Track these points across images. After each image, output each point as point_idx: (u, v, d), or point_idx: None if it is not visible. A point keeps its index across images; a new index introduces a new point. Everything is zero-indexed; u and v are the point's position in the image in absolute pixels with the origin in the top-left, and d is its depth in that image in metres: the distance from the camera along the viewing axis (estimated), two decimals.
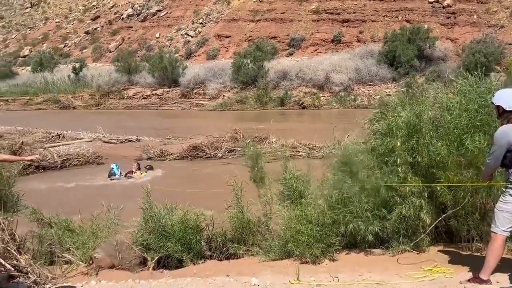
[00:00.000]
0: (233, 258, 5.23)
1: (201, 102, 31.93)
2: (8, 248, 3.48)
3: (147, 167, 11.11)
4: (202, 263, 5.06)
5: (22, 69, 46.62)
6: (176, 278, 4.32)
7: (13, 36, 76.33)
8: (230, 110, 29.23)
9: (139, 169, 10.61)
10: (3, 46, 70.71)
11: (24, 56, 56.14)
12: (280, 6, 45.60)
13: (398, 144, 4.62)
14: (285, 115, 26.77)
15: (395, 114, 4.90)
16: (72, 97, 33.44)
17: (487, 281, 3.77)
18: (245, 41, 42.84)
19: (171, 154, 13.12)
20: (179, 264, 5.10)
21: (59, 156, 12.41)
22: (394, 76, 30.41)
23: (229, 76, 32.91)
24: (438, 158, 4.57)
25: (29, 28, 79.34)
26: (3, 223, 3.65)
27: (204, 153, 13.01)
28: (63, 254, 5.21)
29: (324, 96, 30.22)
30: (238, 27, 45.65)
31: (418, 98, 5.24)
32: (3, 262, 3.28)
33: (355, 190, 4.64)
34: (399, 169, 4.61)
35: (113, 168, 10.68)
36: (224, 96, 32.05)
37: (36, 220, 5.69)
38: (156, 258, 5.19)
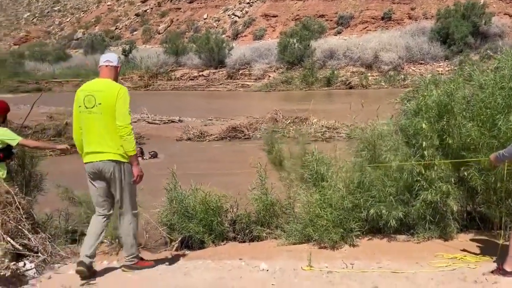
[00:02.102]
0: (257, 240, 5.18)
1: (247, 83, 31.91)
2: (20, 227, 3.58)
3: (152, 153, 10.89)
4: (223, 244, 5.04)
5: (76, 51, 48.26)
6: (188, 261, 4.32)
7: (67, 20, 79.09)
8: (275, 91, 29.03)
9: (142, 154, 10.44)
10: (59, 29, 73.45)
11: (77, 39, 58.05)
12: None
13: (424, 126, 4.35)
14: (331, 95, 26.29)
15: (425, 94, 4.62)
16: (121, 79, 34.24)
17: (511, 273, 3.51)
18: (292, 20, 42.24)
19: (211, 135, 13.22)
20: (201, 245, 5.11)
21: None
22: (447, 54, 29.10)
23: (275, 56, 32.67)
24: (468, 140, 4.27)
25: (82, 11, 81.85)
26: (19, 201, 3.75)
27: (243, 134, 13.00)
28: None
29: (373, 76, 29.43)
30: (285, 6, 45.01)
31: (453, 76, 4.93)
32: (11, 241, 3.38)
33: (377, 174, 4.43)
34: (425, 152, 4.35)
35: None
36: (269, 76, 31.87)
37: (67, 198, 5.84)
38: (179, 239, 5.22)
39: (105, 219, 4.05)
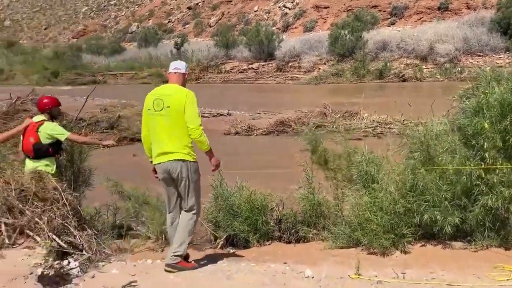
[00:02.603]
0: (303, 241, 5.04)
1: (296, 75, 31.61)
2: (66, 224, 3.62)
3: None
4: (268, 244, 4.93)
5: (130, 44, 49.52)
6: (231, 262, 4.24)
7: (122, 13, 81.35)
8: (325, 84, 28.58)
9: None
10: (114, 23, 75.69)
11: (132, 32, 59.54)
12: None
13: (486, 125, 4.03)
14: (383, 88, 25.58)
15: (487, 91, 4.29)
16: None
17: None
18: (344, 11, 41.38)
19: (258, 129, 13.13)
20: (246, 244, 5.03)
21: None
22: (508, 45, 27.56)
23: (325, 49, 32.16)
24: None
25: (137, 5, 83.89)
26: (66, 198, 3.80)
27: (291, 128, 12.82)
28: (138, 228, 5.37)
29: (427, 68, 28.37)
30: None
31: None
32: (56, 238, 3.41)
33: (432, 177, 4.16)
34: (486, 154, 4.04)
35: None
36: (319, 69, 31.42)
37: (117, 192, 5.91)
38: (224, 237, 5.16)
39: (172, 220, 4.30)
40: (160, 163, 4.08)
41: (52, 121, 4.74)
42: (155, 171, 4.27)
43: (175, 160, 4.03)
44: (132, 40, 53.34)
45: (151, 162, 4.26)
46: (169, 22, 61.95)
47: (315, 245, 4.66)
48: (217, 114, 16.50)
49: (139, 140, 12.77)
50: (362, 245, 4.32)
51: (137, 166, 8.67)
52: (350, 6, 41.12)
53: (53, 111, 4.79)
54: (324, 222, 5.03)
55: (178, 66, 4.26)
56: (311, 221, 5.11)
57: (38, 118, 4.70)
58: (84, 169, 4.93)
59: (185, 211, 4.21)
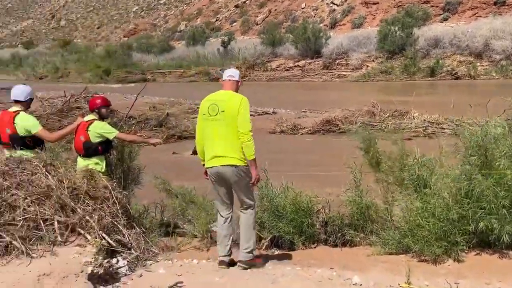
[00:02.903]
0: (349, 245, 4.93)
1: (343, 73, 31.15)
2: (115, 222, 3.69)
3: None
4: (314, 247, 4.85)
5: (178, 43, 50.34)
6: (276, 265, 4.19)
7: (172, 12, 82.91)
8: (374, 81, 28.02)
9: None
10: (164, 22, 77.26)
11: (180, 31, 60.52)
12: None
13: None
14: (434, 86, 24.78)
15: None
16: (220, 69, 35.17)
17: None
18: (394, 7, 40.33)
19: (304, 127, 13.00)
20: (291, 246, 4.98)
21: None
22: None
23: (374, 45, 31.49)
24: None
25: (185, 4, 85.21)
26: (116, 196, 3.87)
27: (337, 128, 12.62)
28: (184, 226, 5.43)
29: (482, 66, 27.21)
30: None
31: None
32: (106, 237, 3.48)
33: (489, 183, 3.95)
34: None
35: None
36: (367, 66, 30.81)
37: (164, 190, 5.99)
38: (269, 238, 5.13)
39: (228, 220, 4.43)
40: (212, 166, 4.21)
41: (102, 120, 4.86)
42: (206, 173, 4.41)
43: (227, 165, 4.16)
44: (180, 38, 54.22)
45: (203, 165, 4.39)
46: (216, 20, 62.55)
47: (363, 250, 4.54)
48: (263, 112, 16.49)
49: (187, 137, 13.01)
50: (413, 252, 4.17)
51: (176, 163, 8.82)
52: (401, 1, 40.03)
53: (102, 111, 4.92)
54: (372, 226, 4.90)
55: (232, 74, 4.43)
56: (359, 224, 5.00)
57: (89, 117, 4.84)
58: (134, 167, 5.03)
59: (242, 210, 4.36)
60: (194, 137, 13.26)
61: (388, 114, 13.24)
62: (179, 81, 34.70)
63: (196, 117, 15.00)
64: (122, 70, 37.01)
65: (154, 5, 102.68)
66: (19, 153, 4.37)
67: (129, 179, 4.95)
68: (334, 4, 47.19)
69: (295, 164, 8.89)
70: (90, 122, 4.72)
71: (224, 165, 4.15)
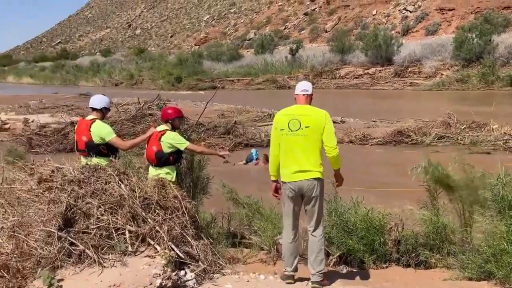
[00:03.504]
0: (424, 266, 4.64)
1: (416, 81, 30.12)
2: (184, 233, 3.69)
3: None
4: (385, 267, 4.61)
5: (247, 51, 51.00)
6: (346, 285, 4.01)
7: (241, 21, 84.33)
8: (448, 90, 26.83)
9: (266, 160, 10.20)
10: (234, 30, 78.75)
11: (249, 39, 61.41)
12: None
13: None
14: None
15: None
16: (288, 78, 35.21)
17: None
18: (471, 13, 38.62)
19: (374, 138, 12.58)
20: (361, 264, 4.77)
21: (266, 135, 13.09)
22: None
23: (449, 53, 30.23)
24: None
25: (255, 12, 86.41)
26: (185, 206, 3.88)
27: (410, 139, 12.11)
28: (250, 236, 5.37)
29: None
30: None
31: None
32: (175, 248, 3.48)
33: None
34: None
35: (252, 153, 10.66)
36: (442, 74, 29.59)
37: (232, 199, 5.98)
38: (337, 254, 4.95)
39: (297, 237, 4.39)
40: (296, 181, 4.17)
41: (174, 131, 4.92)
42: (275, 189, 4.37)
43: (312, 178, 4.14)
44: (249, 46, 54.98)
45: (273, 180, 4.37)
46: (285, 28, 62.89)
47: (439, 273, 4.25)
48: None
49: (253, 145, 12.99)
50: (496, 279, 3.84)
51: (230, 173, 8.82)
52: (479, 7, 38.24)
53: (175, 122, 4.98)
54: (449, 247, 4.58)
55: (305, 88, 4.38)
56: (434, 245, 4.69)
57: (161, 127, 4.92)
58: (202, 177, 5.06)
59: (313, 230, 4.28)
60: (260, 145, 13.27)
61: (464, 126, 12.55)
62: (247, 89, 35.09)
63: (263, 125, 14.93)
64: (193, 77, 38.01)
65: (225, 14, 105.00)
66: (95, 160, 4.53)
67: (198, 188, 4.98)
68: (407, 10, 45.87)
69: (364, 177, 8.58)
70: (163, 132, 4.79)
71: (309, 179, 4.13)
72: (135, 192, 3.65)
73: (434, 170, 4.64)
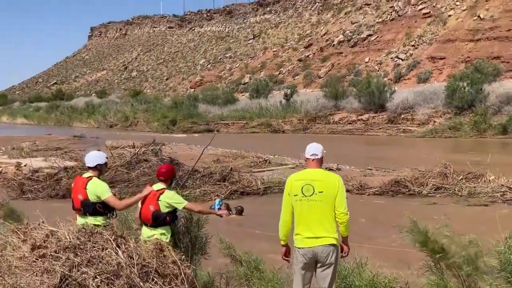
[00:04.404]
0: None
1: (409, 128, 30.38)
2: None
3: (238, 207, 10.51)
4: None
5: (242, 95, 51.56)
6: None
7: (237, 65, 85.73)
8: (441, 138, 27.01)
9: (227, 209, 10.20)
10: (229, 74, 79.89)
11: (245, 83, 62.24)
12: (505, 23, 40.86)
13: None
14: (508, 145, 23.44)
15: None
16: (282, 122, 35.45)
17: None
18: (461, 62, 39.53)
19: (371, 187, 12.47)
20: None
21: (262, 183, 12.95)
22: None
23: (441, 101, 30.68)
24: None
25: (250, 57, 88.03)
26: (184, 272, 3.71)
27: (407, 189, 12.01)
28: None
29: None
30: (454, 48, 42.39)
31: None
32: None
33: None
34: None
35: (215, 203, 10.55)
36: (434, 122, 29.92)
37: (229, 255, 5.78)
38: None
39: None
40: (310, 247, 4.13)
41: (169, 189, 4.80)
42: (286, 254, 4.35)
43: (327, 244, 4.11)
44: (244, 90, 55.65)
45: (282, 245, 4.35)
46: (279, 73, 63.94)
47: None
48: (326, 168, 16.06)
49: (249, 193, 12.79)
50: None
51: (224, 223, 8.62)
52: (469, 57, 39.21)
53: (171, 181, 4.90)
54: None
55: (315, 152, 4.36)
56: None
57: (158, 186, 4.78)
58: (201, 236, 4.89)
59: None
60: (256, 194, 13.07)
61: (461, 177, 12.48)
62: (241, 132, 35.20)
63: (259, 171, 14.72)
64: (188, 120, 38.16)
65: (220, 58, 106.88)
66: (90, 219, 4.38)
67: (196, 248, 4.80)
68: (399, 58, 46.89)
69: (366, 232, 8.40)
70: (161, 191, 4.66)
71: (324, 245, 4.10)
72: (133, 258, 3.49)
73: (419, 235, 4.46)
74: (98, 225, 4.23)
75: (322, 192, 4.10)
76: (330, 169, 16.09)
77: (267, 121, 35.64)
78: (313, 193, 4.11)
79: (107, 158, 5.11)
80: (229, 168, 13.51)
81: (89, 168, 4.89)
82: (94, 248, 3.45)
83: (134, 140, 23.74)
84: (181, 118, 38.51)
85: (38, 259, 3.23)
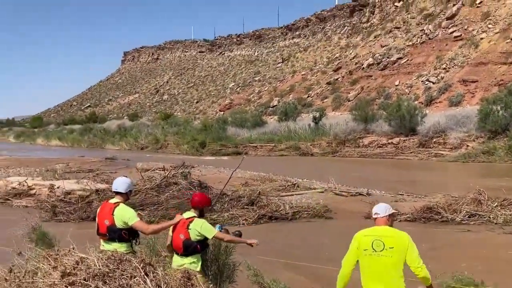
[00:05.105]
0: None
1: (441, 152, 29.75)
2: None
3: (236, 232, 10.30)
4: None
5: (271, 118, 51.68)
6: None
7: (265, 89, 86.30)
8: (474, 162, 26.32)
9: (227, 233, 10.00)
10: (257, 97, 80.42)
11: (273, 106, 62.48)
12: None
13: None
14: None
15: None
16: (310, 145, 35.28)
17: None
18: (494, 85, 38.71)
19: (402, 214, 12.17)
20: None
21: (291, 208, 12.82)
22: None
23: (474, 124, 29.99)
24: None
25: (279, 80, 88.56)
26: None
27: (440, 216, 11.68)
28: None
29: None
30: (487, 71, 41.61)
31: None
32: None
33: None
34: None
35: (216, 228, 10.36)
36: (467, 146, 29.21)
37: (257, 283, 5.72)
38: None
39: None
40: None
41: (200, 218, 4.79)
42: None
43: None
44: (273, 113, 55.81)
45: None
46: (308, 96, 63.96)
47: None
48: (356, 193, 15.87)
49: (277, 218, 12.66)
50: None
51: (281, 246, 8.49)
52: (502, 80, 38.40)
53: (204, 210, 4.90)
54: None
55: (378, 211, 4.51)
56: None
57: (188, 214, 4.79)
58: (229, 263, 4.86)
59: None
60: (284, 218, 12.92)
61: (496, 204, 12.09)
62: (269, 155, 35.17)
63: (287, 195, 14.52)
64: (217, 143, 38.39)
65: (249, 82, 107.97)
66: (115, 245, 4.42)
67: (224, 276, 4.77)
68: (429, 81, 46.30)
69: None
70: (191, 220, 4.66)
71: None
72: (161, 287, 3.48)
73: None
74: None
75: (392, 248, 4.21)
76: (360, 194, 15.90)
77: (295, 144, 35.54)
78: (384, 248, 4.23)
79: (134, 185, 5.18)
80: (257, 192, 13.46)
81: (116, 193, 4.95)
82: (123, 276, 3.47)
83: (164, 162, 24.00)
84: (210, 140, 38.80)
85: (67, 287, 3.27)
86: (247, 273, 5.60)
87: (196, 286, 3.77)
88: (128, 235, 4.68)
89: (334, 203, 14.20)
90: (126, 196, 4.95)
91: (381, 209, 4.51)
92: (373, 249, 4.23)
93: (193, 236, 4.58)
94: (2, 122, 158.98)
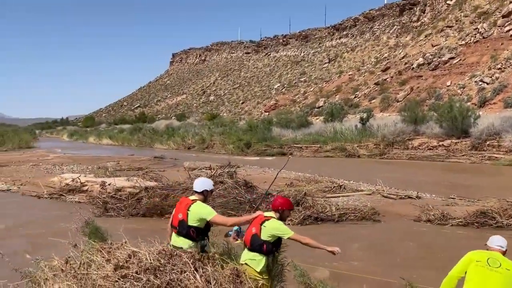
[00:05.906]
0: None
1: (495, 155, 28.50)
2: None
3: (241, 233, 10.02)
4: None
5: (316, 118, 51.26)
6: None
7: (311, 89, 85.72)
8: None
9: (237, 235, 9.74)
10: (303, 98, 79.96)
11: (319, 107, 61.91)
12: None
13: None
14: None
15: None
16: (357, 146, 34.69)
17: None
18: None
19: (454, 218, 11.74)
20: None
21: (337, 209, 12.64)
22: None
23: None
24: None
25: (325, 81, 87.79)
26: None
27: (494, 221, 11.18)
28: None
29: None
30: None
31: None
32: None
33: None
34: None
35: (232, 230, 10.11)
36: None
37: (303, 283, 5.65)
38: None
39: None
40: None
41: (280, 220, 4.83)
42: None
43: None
44: (318, 114, 55.31)
45: None
46: (355, 97, 62.95)
47: None
48: (405, 196, 15.46)
49: (323, 219, 12.49)
50: None
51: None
52: None
53: (284, 213, 4.92)
54: None
55: (501, 244, 4.54)
56: None
57: (269, 213, 4.84)
58: (278, 263, 4.82)
59: None
60: (330, 220, 12.74)
61: None
62: (315, 156, 34.87)
63: (333, 197, 14.32)
64: (262, 143, 38.46)
65: (295, 82, 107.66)
66: (181, 239, 4.57)
67: (271, 275, 4.72)
68: (483, 82, 44.50)
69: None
70: (268, 218, 4.69)
71: None
72: (210, 283, 3.50)
73: None
74: (182, 248, 4.36)
75: (509, 270, 4.19)
76: (409, 197, 15.47)
77: (341, 145, 35.03)
78: (500, 266, 4.22)
79: (213, 185, 5.39)
80: (302, 193, 13.36)
81: (196, 192, 5.11)
82: (173, 271, 3.51)
83: (210, 161, 24.29)
84: (255, 141, 38.92)
85: (120, 279, 3.33)
86: (293, 273, 5.55)
87: (245, 283, 3.77)
88: (196, 234, 4.76)
89: (382, 206, 13.89)
90: (202, 195, 5.09)
91: (504, 243, 4.53)
92: (488, 263, 4.21)
93: (264, 235, 4.60)
94: (56, 121, 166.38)
